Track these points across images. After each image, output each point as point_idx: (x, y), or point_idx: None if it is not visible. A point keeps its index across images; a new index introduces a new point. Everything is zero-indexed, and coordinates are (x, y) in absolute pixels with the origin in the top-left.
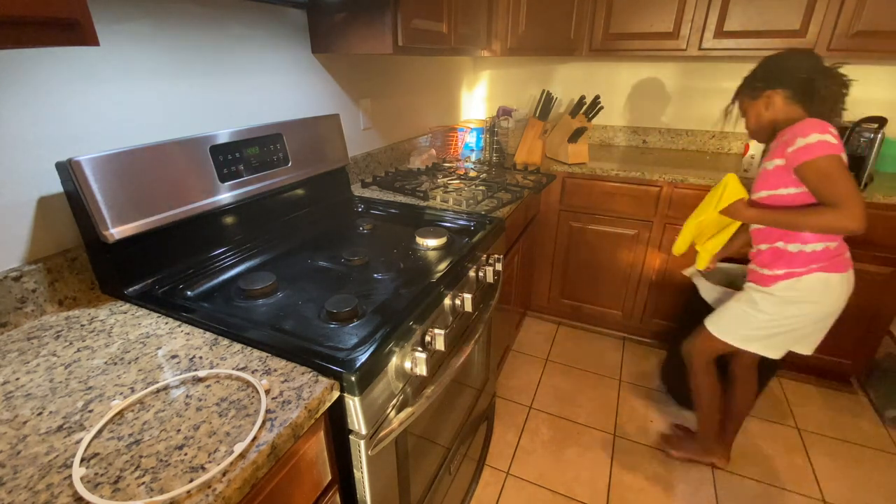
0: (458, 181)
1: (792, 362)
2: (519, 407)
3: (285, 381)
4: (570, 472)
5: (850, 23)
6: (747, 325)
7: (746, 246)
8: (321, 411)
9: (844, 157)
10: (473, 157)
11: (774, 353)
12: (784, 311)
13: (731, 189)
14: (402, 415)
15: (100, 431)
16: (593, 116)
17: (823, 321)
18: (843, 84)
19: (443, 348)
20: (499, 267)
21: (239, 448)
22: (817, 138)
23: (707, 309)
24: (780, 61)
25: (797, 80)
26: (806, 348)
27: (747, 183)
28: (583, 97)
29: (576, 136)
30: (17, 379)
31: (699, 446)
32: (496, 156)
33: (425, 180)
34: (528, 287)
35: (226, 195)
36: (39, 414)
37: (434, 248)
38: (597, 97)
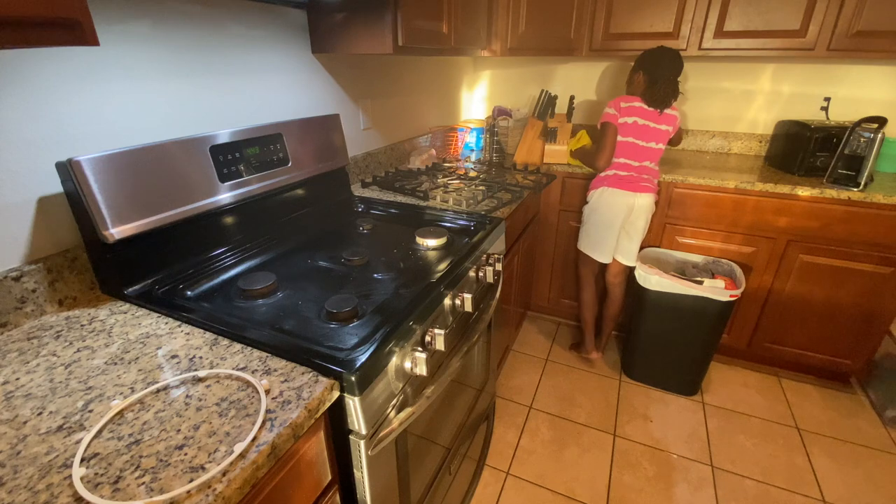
0: (458, 181)
1: (792, 362)
2: (519, 407)
3: (285, 381)
4: (570, 472)
5: (850, 23)
6: (581, 233)
7: None
8: (321, 411)
9: (629, 120)
10: (473, 157)
11: (599, 256)
12: (588, 216)
13: (584, 139)
14: (402, 415)
15: (100, 431)
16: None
17: (609, 227)
18: (664, 82)
19: (443, 348)
20: (499, 267)
21: (239, 448)
22: (605, 110)
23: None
24: (647, 54)
25: (645, 69)
26: (606, 256)
27: None
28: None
29: (552, 135)
30: (17, 379)
31: (583, 346)
32: (496, 156)
33: (425, 180)
34: (528, 287)
35: (226, 195)
36: (39, 414)
37: (434, 248)
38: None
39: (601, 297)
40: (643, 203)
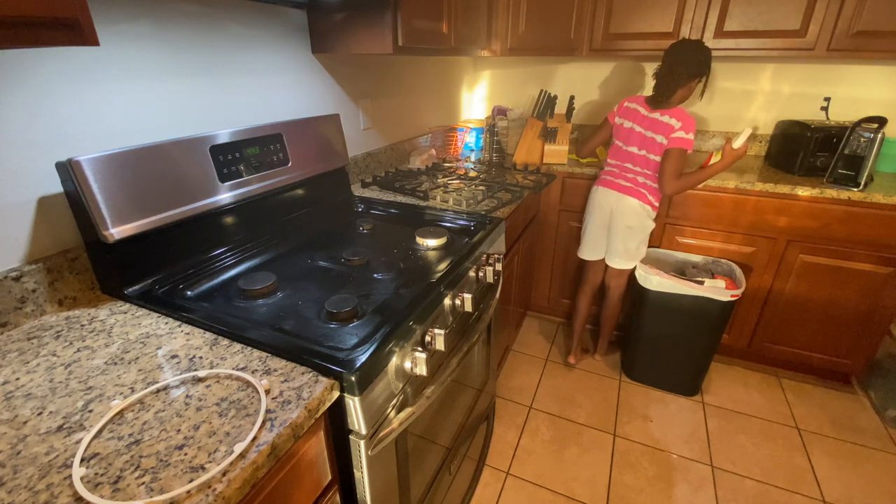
0: (458, 181)
1: (792, 362)
2: (519, 407)
3: (285, 381)
4: (570, 472)
5: (850, 23)
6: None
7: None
8: (321, 411)
9: (625, 123)
10: (473, 157)
11: (582, 252)
12: (584, 215)
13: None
14: (402, 415)
15: (100, 431)
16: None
17: (593, 224)
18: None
19: (443, 348)
20: (499, 267)
21: (239, 448)
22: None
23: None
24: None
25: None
26: (588, 253)
27: None
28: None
29: (552, 135)
30: (17, 379)
31: (574, 347)
32: (496, 156)
33: (425, 180)
34: (528, 287)
35: (226, 195)
36: (39, 414)
37: (434, 248)
38: (557, 97)
39: (598, 302)
40: (626, 205)
